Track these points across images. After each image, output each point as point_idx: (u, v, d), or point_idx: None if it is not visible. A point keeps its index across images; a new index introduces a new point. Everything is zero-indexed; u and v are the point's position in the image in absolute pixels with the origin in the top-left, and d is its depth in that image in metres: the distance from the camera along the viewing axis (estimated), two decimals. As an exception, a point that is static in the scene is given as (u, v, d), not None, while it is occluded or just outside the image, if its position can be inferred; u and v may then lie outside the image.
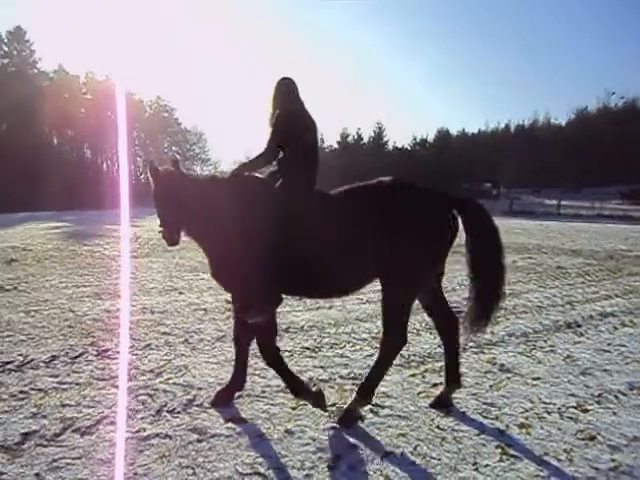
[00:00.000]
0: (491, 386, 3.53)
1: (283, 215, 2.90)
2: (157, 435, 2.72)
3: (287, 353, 4.03)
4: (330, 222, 2.92)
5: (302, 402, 3.09)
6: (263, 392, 3.31)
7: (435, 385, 3.47)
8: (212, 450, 2.58)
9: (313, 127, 3.24)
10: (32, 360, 3.85)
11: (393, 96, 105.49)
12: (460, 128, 66.71)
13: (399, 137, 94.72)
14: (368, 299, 5.96)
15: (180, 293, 6.32)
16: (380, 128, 62.04)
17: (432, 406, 3.14)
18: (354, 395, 2.96)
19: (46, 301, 5.79)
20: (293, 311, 5.39)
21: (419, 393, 3.38)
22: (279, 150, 3.12)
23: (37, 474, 2.35)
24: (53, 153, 43.80)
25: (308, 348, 4.21)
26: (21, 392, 3.27)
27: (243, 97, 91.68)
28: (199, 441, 2.67)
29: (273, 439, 2.70)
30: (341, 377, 3.59)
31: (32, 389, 3.32)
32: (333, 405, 3.12)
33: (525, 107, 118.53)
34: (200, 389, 3.34)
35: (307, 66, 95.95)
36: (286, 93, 3.21)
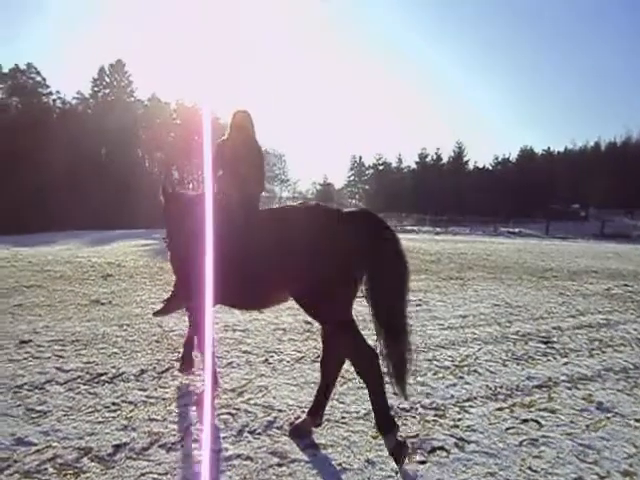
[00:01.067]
0: (588, 426, 3.26)
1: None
2: (239, 456, 2.74)
3: (366, 378, 3.96)
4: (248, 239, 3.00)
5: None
6: (343, 418, 3.26)
7: (525, 421, 3.26)
8: (292, 476, 2.56)
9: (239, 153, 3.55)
10: (123, 373, 4.04)
11: (473, 115, 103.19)
12: (545, 147, 63.89)
13: (480, 156, 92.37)
14: (449, 325, 5.76)
15: (260, 312, 6.42)
16: (460, 147, 60.95)
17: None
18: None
19: (137, 315, 6.09)
20: (373, 335, 5.29)
21: (507, 429, 3.18)
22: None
23: (126, 487, 2.44)
24: (145, 174, 46.72)
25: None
26: (113, 404, 3.43)
27: (322, 119, 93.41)
28: (279, 465, 2.66)
29: (353, 469, 2.64)
30: (423, 407, 3.46)
31: (123, 401, 3.47)
32: (415, 436, 3.00)
33: (616, 124, 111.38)
34: (280, 411, 3.35)
35: (386, 86, 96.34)
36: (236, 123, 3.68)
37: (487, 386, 3.84)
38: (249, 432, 3.04)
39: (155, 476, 2.53)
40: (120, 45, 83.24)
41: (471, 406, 3.47)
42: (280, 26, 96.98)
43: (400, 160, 65.82)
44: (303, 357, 4.51)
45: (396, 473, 2.60)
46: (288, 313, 6.31)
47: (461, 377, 4.04)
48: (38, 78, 46.43)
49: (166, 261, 10.48)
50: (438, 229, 35.62)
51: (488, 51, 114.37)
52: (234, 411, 3.33)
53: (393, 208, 49.74)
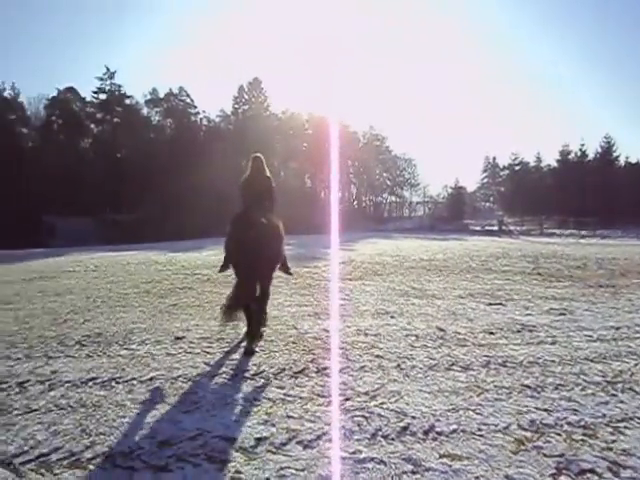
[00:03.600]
0: None
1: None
2: (372, 459, 2.76)
3: (505, 390, 3.76)
4: None
5: (521, 447, 2.83)
6: (479, 430, 3.11)
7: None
8: (427, 485, 2.51)
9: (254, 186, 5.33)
10: (263, 371, 4.29)
11: (623, 106, 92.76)
12: None
13: (633, 151, 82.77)
14: (599, 336, 5.25)
15: (392, 317, 6.40)
16: (609, 142, 55.23)
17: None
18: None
19: (275, 317, 6.42)
20: (510, 344, 5.02)
21: (675, 457, 2.80)
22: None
23: (267, 479, 2.58)
24: (279, 183, 49.20)
25: (529, 387, 3.84)
26: (255, 399, 3.66)
27: (453, 121, 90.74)
28: (413, 472, 2.62)
29: (492, 484, 2.52)
30: (569, 424, 3.18)
31: (264, 397, 3.69)
32: (561, 456, 2.78)
33: None
34: (414, 418, 3.30)
35: (520, 82, 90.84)
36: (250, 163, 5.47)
37: (648, 407, 3.43)
38: (382, 436, 3.04)
39: (293, 471, 2.64)
40: (255, 62, 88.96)
41: (627, 427, 3.11)
42: (405, 32, 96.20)
43: (539, 159, 61.45)
44: (436, 364, 4.41)
45: (540, 493, 2.43)
46: (421, 320, 6.22)
47: (614, 395, 3.65)
48: (188, 100, 51.27)
49: (301, 265, 10.92)
50: (584, 232, 32.55)
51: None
52: (367, 414, 3.36)
53: (531, 210, 46.63)
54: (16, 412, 3.48)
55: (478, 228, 40.13)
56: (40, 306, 7.25)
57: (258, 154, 5.44)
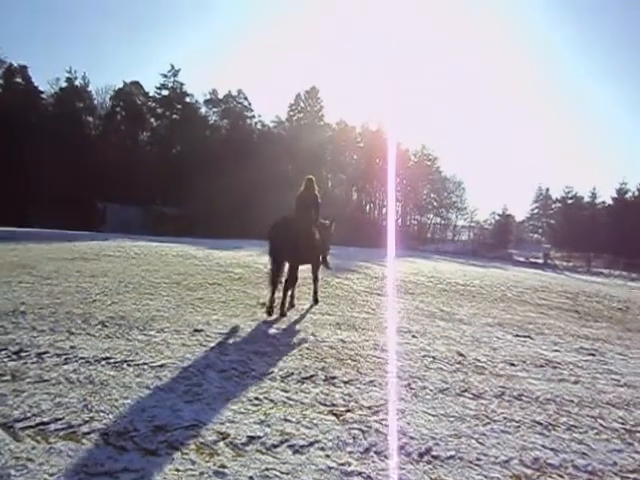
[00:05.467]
0: None
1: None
2: (360, 474, 2.70)
3: (514, 423, 3.61)
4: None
5: None
6: (478, 460, 3.00)
7: None
8: (410, 507, 2.44)
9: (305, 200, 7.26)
10: (271, 372, 4.29)
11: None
12: None
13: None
14: (627, 382, 4.99)
15: (413, 336, 6.29)
16: (670, 183, 52.57)
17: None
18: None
19: (294, 322, 6.43)
20: (530, 378, 4.83)
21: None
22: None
23: (250, 477, 2.56)
24: (325, 193, 49.42)
25: (540, 423, 3.68)
26: (256, 399, 3.65)
27: (506, 147, 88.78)
28: (399, 493, 2.56)
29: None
30: (575, 467, 3.03)
31: (265, 398, 3.68)
32: (559, 499, 2.64)
33: None
34: (412, 438, 3.22)
35: (578, 114, 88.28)
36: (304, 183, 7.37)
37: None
38: (375, 452, 2.97)
39: (277, 473, 2.62)
40: (313, 71, 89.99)
41: (637, 479, 2.93)
42: (465, 55, 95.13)
43: (594, 194, 59.18)
44: (448, 388, 4.29)
45: (527, 533, 2.31)
46: (442, 342, 6.08)
47: (630, 443, 3.45)
48: (245, 103, 52.35)
49: (332, 276, 10.88)
50: (634, 275, 31.04)
51: None
52: (365, 428, 3.30)
53: (581, 247, 44.91)
54: (28, 380, 3.61)
55: (522, 259, 38.95)
56: (74, 284, 7.52)
57: (310, 176, 7.42)
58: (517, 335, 6.85)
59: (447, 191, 57.39)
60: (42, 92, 47.74)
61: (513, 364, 5.30)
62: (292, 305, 7.17)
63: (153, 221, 39.40)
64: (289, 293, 6.99)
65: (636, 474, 3.00)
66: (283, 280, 6.78)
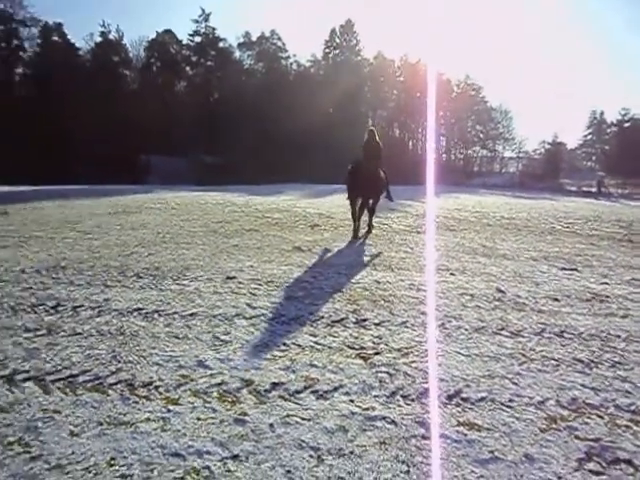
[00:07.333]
0: None
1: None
2: (384, 418, 2.63)
3: (553, 362, 3.43)
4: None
5: (552, 426, 2.56)
6: (510, 401, 2.86)
7: None
8: (434, 452, 2.35)
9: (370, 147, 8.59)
10: (301, 316, 4.24)
11: None
12: None
13: None
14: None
15: (451, 274, 6.09)
16: None
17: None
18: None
19: (330, 265, 6.35)
20: (574, 313, 4.58)
21: None
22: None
23: (271, 424, 2.54)
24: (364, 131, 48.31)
25: (581, 361, 3.48)
26: (284, 344, 3.62)
27: (556, 73, 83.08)
28: (423, 437, 2.47)
29: (505, 460, 2.30)
30: (617, 407, 2.84)
31: (293, 343, 3.64)
32: (596, 440, 2.48)
33: None
34: (442, 380, 3.11)
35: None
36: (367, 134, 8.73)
37: None
38: (402, 396, 2.89)
39: (299, 420, 2.58)
40: (346, 4, 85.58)
41: None
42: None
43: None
44: (484, 327, 4.12)
45: (558, 478, 2.18)
46: (482, 279, 5.86)
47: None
48: (279, 44, 50.86)
49: (375, 216, 10.60)
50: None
51: None
52: (393, 371, 3.21)
53: (638, 173, 42.30)
54: (62, 334, 3.70)
55: (574, 188, 37.11)
56: (114, 238, 7.68)
57: (372, 127, 9.01)
58: (563, 268, 6.51)
59: (493, 122, 54.74)
60: (79, 49, 47.98)
61: (557, 299, 5.04)
62: (369, 232, 8.89)
63: (196, 171, 39.75)
64: (358, 223, 8.61)
65: (686, 413, 2.79)
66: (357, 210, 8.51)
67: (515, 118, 55.57)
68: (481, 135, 55.37)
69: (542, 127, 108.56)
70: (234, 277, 5.46)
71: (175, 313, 4.22)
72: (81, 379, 2.98)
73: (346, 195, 8.67)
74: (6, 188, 18.21)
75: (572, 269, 6.48)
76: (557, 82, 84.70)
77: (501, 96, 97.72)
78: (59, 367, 3.13)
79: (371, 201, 8.77)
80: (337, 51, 51.74)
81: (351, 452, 2.32)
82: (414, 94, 46.89)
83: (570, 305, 4.85)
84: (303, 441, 2.40)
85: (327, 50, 52.13)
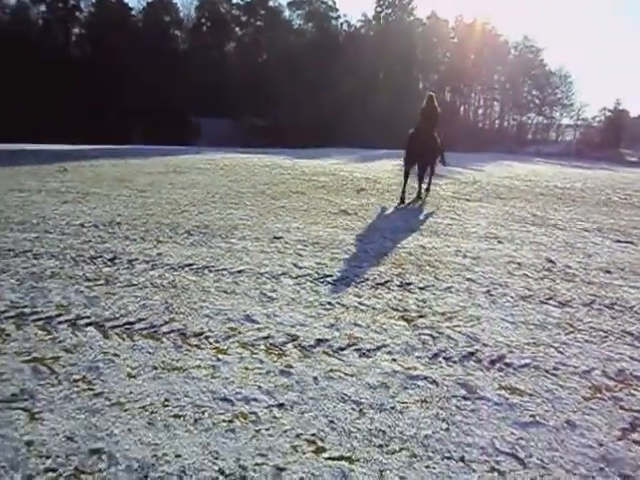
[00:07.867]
0: None
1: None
2: (425, 378, 2.67)
3: (601, 333, 3.37)
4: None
5: (597, 395, 2.54)
6: (555, 369, 2.84)
7: None
8: (474, 412, 2.38)
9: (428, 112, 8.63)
10: (346, 277, 4.30)
11: None
12: None
13: None
14: None
15: (499, 242, 5.98)
16: None
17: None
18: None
19: (376, 229, 6.35)
20: (627, 286, 4.45)
21: None
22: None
23: (315, 378, 2.63)
24: (417, 96, 47.01)
25: (631, 334, 3.39)
26: (328, 303, 3.70)
27: (621, 35, 77.60)
28: (464, 398, 2.50)
29: (547, 425, 2.31)
30: None
31: (337, 303, 3.71)
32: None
33: None
34: (485, 345, 3.11)
35: None
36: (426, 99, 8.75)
37: None
38: (444, 358, 2.92)
39: (342, 375, 2.66)
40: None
41: None
42: None
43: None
44: (531, 296, 4.06)
45: (600, 445, 2.18)
46: (531, 248, 5.74)
47: None
48: (330, 2, 49.67)
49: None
50: None
51: None
52: (436, 334, 3.23)
53: None
54: (119, 284, 3.90)
55: (634, 159, 35.21)
56: (166, 196, 7.91)
57: (431, 93, 9.05)
58: (618, 241, 6.28)
59: (552, 87, 52.00)
60: (131, 8, 48.42)
61: (609, 271, 4.89)
62: (419, 197, 8.84)
63: (244, 133, 39.98)
64: (422, 185, 8.92)
65: None
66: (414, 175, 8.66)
67: (575, 83, 52.62)
68: (537, 101, 52.80)
69: (604, 94, 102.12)
70: (281, 237, 5.56)
71: (224, 269, 4.36)
72: (137, 326, 3.15)
73: (402, 159, 8.82)
74: (65, 146, 18.91)
75: (627, 242, 6.24)
76: (623, 46, 79.29)
77: (561, 59, 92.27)
78: (117, 315, 3.32)
79: (428, 167, 8.95)
80: (389, 10, 50.06)
81: (392, 407, 2.39)
82: (468, 56, 45.11)
83: (623, 278, 4.70)
84: (346, 395, 2.48)
85: (379, 9, 50.52)
